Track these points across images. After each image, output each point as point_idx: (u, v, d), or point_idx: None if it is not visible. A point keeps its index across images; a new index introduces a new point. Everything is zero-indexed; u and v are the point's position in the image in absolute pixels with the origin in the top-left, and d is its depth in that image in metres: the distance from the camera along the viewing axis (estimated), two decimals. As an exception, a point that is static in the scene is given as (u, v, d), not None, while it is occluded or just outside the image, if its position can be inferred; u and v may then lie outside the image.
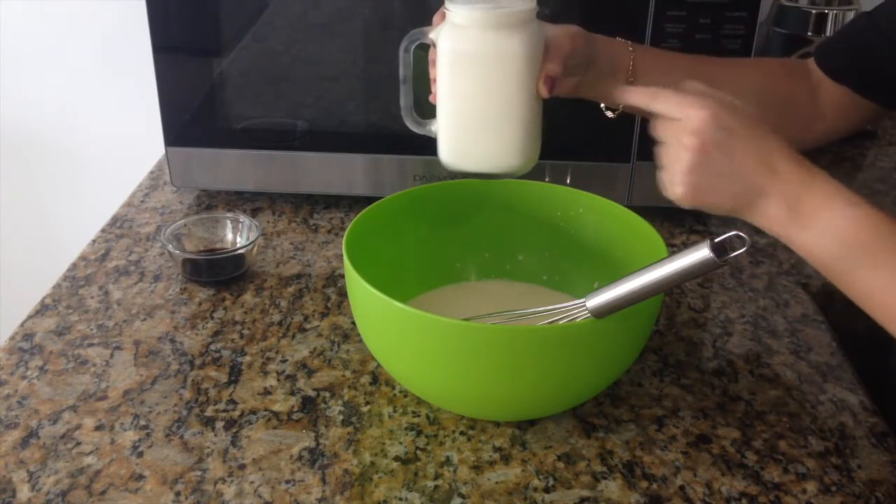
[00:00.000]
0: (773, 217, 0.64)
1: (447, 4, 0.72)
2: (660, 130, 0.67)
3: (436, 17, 0.77)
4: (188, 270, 0.94)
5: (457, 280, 0.88)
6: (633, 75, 0.78)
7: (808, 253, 0.63)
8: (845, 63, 0.84)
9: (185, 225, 0.96)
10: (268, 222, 1.07)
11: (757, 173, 0.64)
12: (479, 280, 0.89)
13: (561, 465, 0.70)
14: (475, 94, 0.72)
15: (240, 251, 0.93)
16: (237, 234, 0.97)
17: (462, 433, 0.73)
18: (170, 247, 0.93)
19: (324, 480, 0.68)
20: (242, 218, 0.97)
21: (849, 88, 0.83)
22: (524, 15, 0.71)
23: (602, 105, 0.81)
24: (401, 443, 0.72)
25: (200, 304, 0.90)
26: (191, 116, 1.05)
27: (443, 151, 0.77)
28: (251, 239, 0.95)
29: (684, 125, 0.65)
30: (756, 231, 1.07)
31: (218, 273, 0.93)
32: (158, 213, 1.09)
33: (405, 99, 0.78)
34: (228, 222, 0.98)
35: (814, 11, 1.15)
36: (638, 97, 0.69)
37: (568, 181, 1.04)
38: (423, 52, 0.79)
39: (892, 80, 0.82)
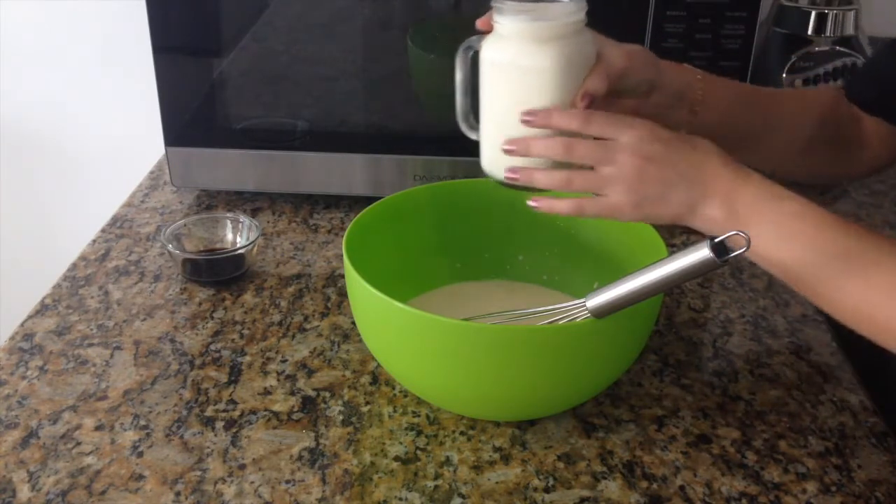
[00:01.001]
0: (714, 219, 0.65)
1: (494, 15, 0.72)
2: (593, 153, 0.66)
3: (479, 22, 0.74)
4: (188, 270, 0.94)
5: (457, 280, 0.88)
6: (700, 105, 0.76)
7: (752, 250, 0.63)
8: (873, 94, 0.84)
9: (185, 225, 0.96)
10: (268, 222, 1.07)
11: (696, 179, 0.65)
12: (479, 280, 0.89)
13: (561, 465, 0.70)
14: (510, 104, 0.71)
15: (240, 251, 0.93)
16: (237, 234, 0.97)
17: (462, 433, 0.73)
18: (170, 247, 0.93)
19: (324, 480, 0.68)
20: (242, 218, 0.97)
21: (882, 119, 0.83)
22: (566, 28, 0.69)
23: None
24: (401, 443, 0.72)
25: (200, 304, 0.90)
26: (191, 116, 1.05)
27: (483, 159, 0.75)
28: (251, 239, 0.95)
29: (622, 144, 0.65)
30: (756, 231, 1.07)
31: (218, 273, 0.93)
32: (158, 213, 1.09)
33: (462, 104, 0.77)
34: (228, 222, 0.98)
35: (814, 11, 1.15)
36: (571, 121, 0.67)
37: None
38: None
39: None
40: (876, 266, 0.62)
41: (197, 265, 0.93)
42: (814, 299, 0.66)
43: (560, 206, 0.69)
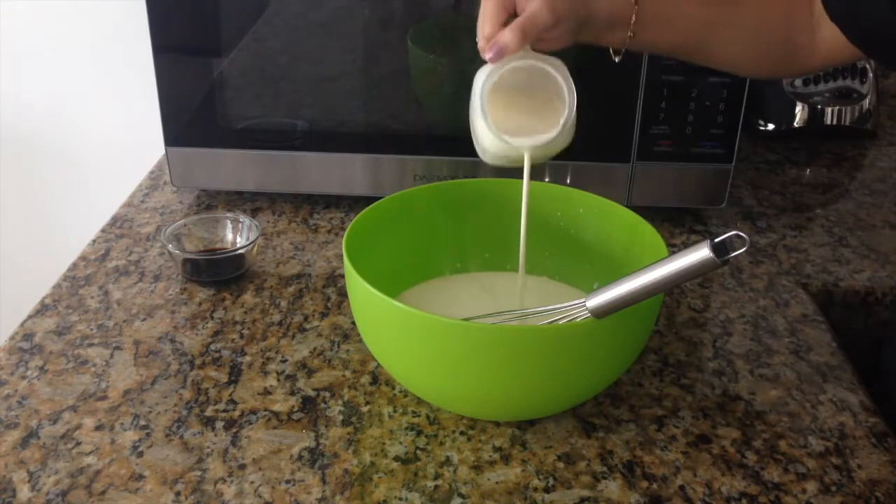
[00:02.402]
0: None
1: None
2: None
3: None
4: (188, 270, 0.94)
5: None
6: (636, 27, 0.79)
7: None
8: (845, 9, 0.83)
9: (185, 225, 0.96)
10: (268, 222, 1.07)
11: None
12: (480, 271, 0.89)
13: (561, 465, 0.70)
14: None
15: (240, 251, 0.93)
16: (237, 234, 0.97)
17: (462, 433, 0.73)
18: (170, 247, 0.93)
19: (324, 480, 0.68)
20: (242, 218, 0.97)
21: (843, 34, 0.83)
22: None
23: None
24: (401, 443, 0.72)
25: (200, 304, 0.90)
26: (191, 116, 1.05)
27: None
28: (251, 239, 0.95)
29: None
30: (756, 231, 1.07)
31: (218, 273, 0.93)
32: (158, 213, 1.09)
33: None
34: (228, 222, 0.98)
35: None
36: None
37: (568, 181, 1.05)
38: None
39: (887, 39, 0.81)
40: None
41: (197, 265, 0.93)
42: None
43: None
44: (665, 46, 0.84)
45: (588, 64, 1.02)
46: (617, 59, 0.82)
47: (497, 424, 0.74)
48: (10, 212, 1.53)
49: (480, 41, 0.76)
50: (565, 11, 0.75)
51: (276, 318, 0.88)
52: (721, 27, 0.83)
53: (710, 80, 0.99)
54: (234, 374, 0.80)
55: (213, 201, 1.11)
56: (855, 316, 0.98)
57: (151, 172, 1.20)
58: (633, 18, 0.78)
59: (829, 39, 0.84)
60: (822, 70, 0.89)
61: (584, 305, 0.67)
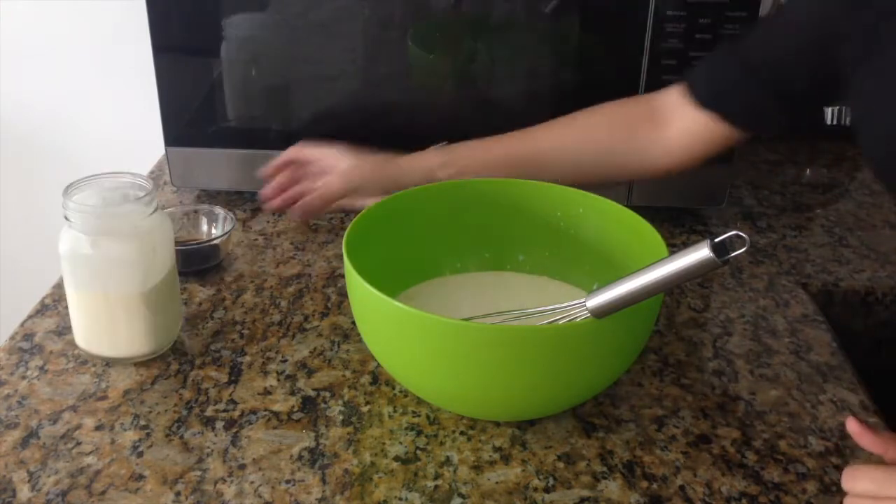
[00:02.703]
0: None
1: None
2: None
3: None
4: None
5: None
6: (460, 175, 0.89)
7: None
8: (714, 92, 0.86)
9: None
10: (268, 222, 1.07)
11: None
12: (481, 271, 0.89)
13: (561, 465, 0.70)
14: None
15: (214, 241, 0.95)
16: (212, 226, 0.99)
17: (462, 433, 0.73)
18: None
19: (324, 480, 0.68)
20: (218, 210, 0.99)
21: (716, 116, 0.86)
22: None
23: None
24: (401, 443, 0.72)
25: (200, 304, 0.90)
26: (191, 116, 1.05)
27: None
28: (226, 230, 0.96)
29: None
30: (756, 231, 1.07)
31: (192, 263, 0.94)
32: (158, 213, 1.08)
33: None
34: (203, 216, 1.00)
35: (813, 11, 1.15)
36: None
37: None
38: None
39: (757, 109, 0.85)
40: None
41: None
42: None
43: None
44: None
45: (589, 64, 1.02)
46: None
47: (497, 424, 0.74)
48: (10, 212, 1.53)
49: (268, 192, 0.98)
50: (357, 179, 0.92)
51: (276, 318, 0.88)
52: (542, 155, 0.90)
53: (710, 80, 0.99)
54: (234, 374, 0.80)
55: (213, 201, 1.11)
56: (855, 316, 0.98)
57: (151, 172, 1.20)
58: (445, 177, 0.89)
59: (689, 130, 0.88)
60: (676, 171, 0.92)
61: (584, 305, 0.67)
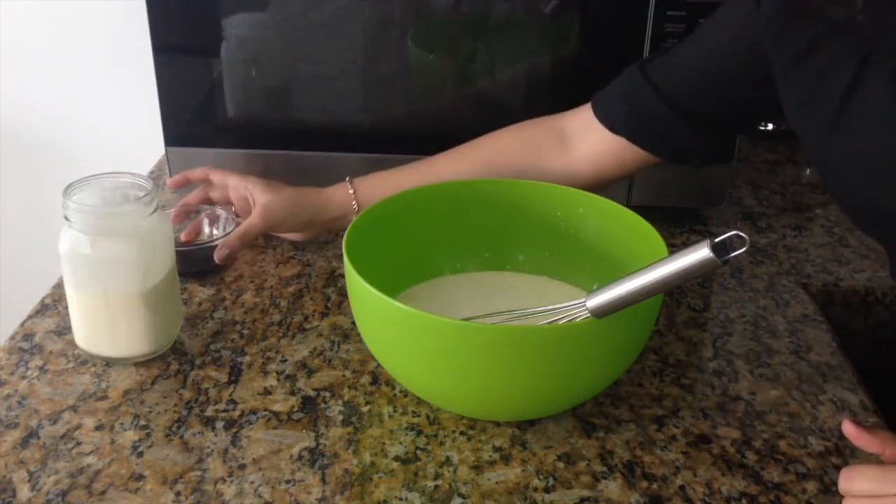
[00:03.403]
0: None
1: None
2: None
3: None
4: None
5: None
6: (362, 208, 0.91)
7: None
8: (622, 116, 0.87)
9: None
10: (268, 222, 1.07)
11: None
12: (481, 271, 0.89)
13: (561, 465, 0.70)
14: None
15: (216, 242, 0.93)
16: (213, 227, 0.98)
17: (462, 433, 0.73)
18: None
19: (324, 480, 0.68)
20: (220, 210, 0.98)
21: (626, 140, 0.86)
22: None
23: None
24: (401, 443, 0.72)
25: (200, 304, 0.90)
26: (191, 116, 1.05)
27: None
28: (227, 231, 0.95)
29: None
30: (756, 231, 1.07)
31: (193, 265, 0.93)
32: (158, 213, 1.08)
33: None
34: (204, 217, 0.99)
35: (813, 11, 1.15)
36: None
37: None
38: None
39: (664, 132, 0.85)
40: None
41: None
42: None
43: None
44: None
45: (589, 64, 1.02)
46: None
47: (497, 424, 0.74)
48: (10, 212, 1.53)
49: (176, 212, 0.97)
50: (278, 216, 0.92)
51: (276, 318, 0.88)
52: (446, 177, 0.90)
53: (710, 80, 0.98)
54: (234, 374, 0.80)
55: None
56: (855, 316, 0.98)
57: (151, 172, 1.20)
58: (355, 204, 0.92)
59: (598, 151, 0.88)
60: (598, 188, 0.91)
61: (584, 305, 0.67)
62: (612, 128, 0.87)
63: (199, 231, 0.98)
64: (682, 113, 0.83)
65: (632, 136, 0.86)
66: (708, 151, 0.87)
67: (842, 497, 0.62)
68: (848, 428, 0.64)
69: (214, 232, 0.98)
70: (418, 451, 0.71)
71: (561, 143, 0.90)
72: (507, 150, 0.92)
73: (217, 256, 0.90)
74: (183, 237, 0.96)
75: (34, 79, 1.41)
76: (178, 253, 0.90)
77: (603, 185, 0.90)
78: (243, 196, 0.95)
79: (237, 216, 0.97)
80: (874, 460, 0.71)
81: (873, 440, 0.63)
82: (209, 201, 0.98)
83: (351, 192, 0.92)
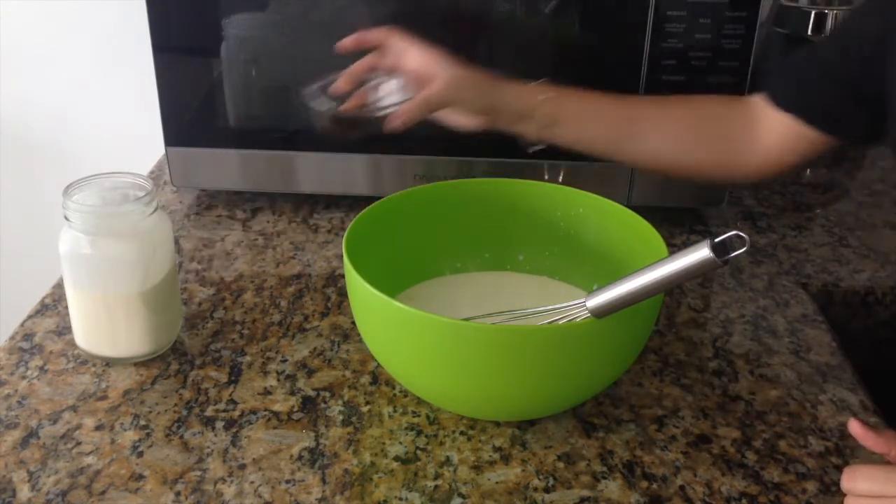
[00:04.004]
0: None
1: None
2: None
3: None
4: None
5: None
6: (554, 122, 0.85)
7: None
8: (793, 94, 0.85)
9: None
10: (268, 222, 1.07)
11: None
12: (482, 271, 0.89)
13: (561, 465, 0.70)
14: None
15: (387, 111, 0.86)
16: (383, 97, 0.89)
17: (462, 433, 0.73)
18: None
19: (324, 480, 0.68)
20: (392, 80, 0.88)
21: (796, 118, 0.84)
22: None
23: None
24: (401, 443, 0.72)
25: (200, 304, 0.90)
26: (191, 116, 1.05)
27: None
28: (398, 102, 0.87)
29: None
30: (756, 231, 1.07)
31: (356, 129, 0.89)
32: (158, 213, 1.08)
33: None
34: (374, 85, 0.90)
35: (814, 11, 1.15)
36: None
37: (567, 181, 1.04)
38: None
39: (836, 111, 0.83)
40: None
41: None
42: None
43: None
44: (584, 140, 0.87)
45: (589, 64, 1.02)
46: (530, 151, 0.88)
47: (497, 424, 0.74)
48: (10, 212, 1.53)
49: (342, 85, 0.87)
50: (466, 95, 0.84)
51: (276, 318, 0.88)
52: (643, 121, 0.87)
53: (710, 80, 0.99)
54: (234, 374, 0.80)
55: (213, 201, 1.11)
56: (855, 316, 0.98)
57: (151, 172, 1.20)
58: (549, 113, 0.84)
59: (778, 134, 0.85)
60: (777, 173, 0.89)
61: (584, 305, 0.67)
62: (780, 105, 0.84)
63: (364, 102, 0.88)
64: (847, 87, 0.80)
65: (799, 113, 0.83)
66: (878, 128, 0.82)
67: (842, 497, 0.62)
68: (854, 427, 0.64)
69: (384, 102, 0.88)
70: (418, 451, 0.71)
71: (745, 117, 0.87)
72: (698, 110, 0.88)
73: (392, 124, 0.82)
74: (350, 105, 0.88)
75: (34, 79, 1.41)
76: (336, 119, 0.88)
77: (781, 171, 0.88)
78: (421, 65, 0.84)
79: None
80: (875, 460, 0.71)
81: (879, 440, 0.63)
82: (375, 69, 0.88)
83: (541, 98, 0.84)
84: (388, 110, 0.85)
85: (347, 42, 0.87)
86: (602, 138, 0.87)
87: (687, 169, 0.89)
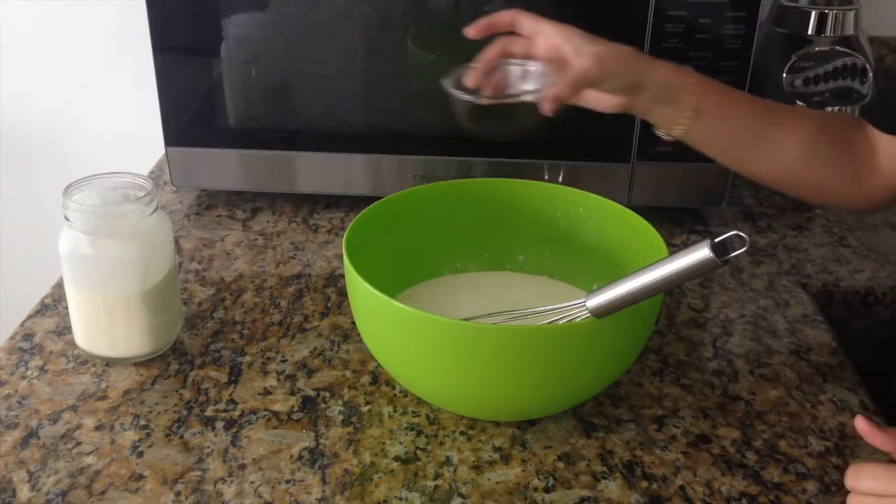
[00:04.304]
0: None
1: None
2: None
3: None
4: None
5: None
6: (696, 110, 0.78)
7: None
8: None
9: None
10: (268, 222, 1.07)
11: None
12: (481, 271, 0.89)
13: (561, 465, 0.70)
14: None
15: (528, 97, 0.80)
16: (523, 84, 0.84)
17: (462, 433, 0.73)
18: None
19: (324, 480, 0.68)
20: (531, 65, 0.81)
21: None
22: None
23: (656, 130, 0.82)
24: (401, 443, 0.72)
25: (200, 304, 0.90)
26: (191, 116, 1.05)
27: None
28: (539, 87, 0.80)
29: None
30: (756, 231, 1.07)
31: (497, 122, 0.84)
32: (158, 213, 1.08)
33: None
34: (510, 71, 0.83)
35: (814, 11, 1.15)
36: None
37: (568, 181, 1.04)
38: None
39: None
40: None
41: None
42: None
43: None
44: (719, 137, 0.81)
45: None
46: (667, 139, 0.82)
47: (497, 424, 0.74)
48: (10, 212, 1.52)
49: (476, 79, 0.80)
50: (615, 70, 0.76)
51: (276, 318, 0.88)
52: (778, 127, 0.81)
53: (710, 80, 0.99)
54: (234, 374, 0.80)
55: (213, 201, 1.11)
56: (855, 316, 0.98)
57: (151, 172, 1.20)
58: (694, 97, 0.77)
59: (891, 157, 0.82)
60: (879, 205, 0.85)
61: (584, 305, 0.67)
62: (890, 130, 0.81)
63: (502, 88, 0.82)
64: None
65: None
66: None
67: (843, 497, 0.62)
68: (861, 424, 0.64)
69: (524, 87, 0.82)
70: (418, 451, 0.71)
71: (863, 135, 0.83)
72: (822, 124, 0.84)
73: (544, 110, 0.76)
74: (488, 92, 0.81)
75: (34, 78, 1.41)
76: (476, 109, 0.82)
77: (890, 202, 0.85)
78: (555, 45, 0.77)
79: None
80: (875, 460, 0.71)
81: (886, 438, 0.63)
82: (508, 54, 0.81)
83: (694, 80, 0.78)
84: (529, 96, 0.79)
85: (475, 28, 0.80)
86: (737, 138, 0.81)
87: (813, 185, 0.84)
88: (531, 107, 0.78)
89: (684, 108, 0.78)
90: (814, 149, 0.82)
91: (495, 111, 0.81)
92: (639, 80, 0.77)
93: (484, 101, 0.81)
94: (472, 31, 0.80)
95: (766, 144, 0.81)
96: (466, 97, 0.80)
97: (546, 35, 0.78)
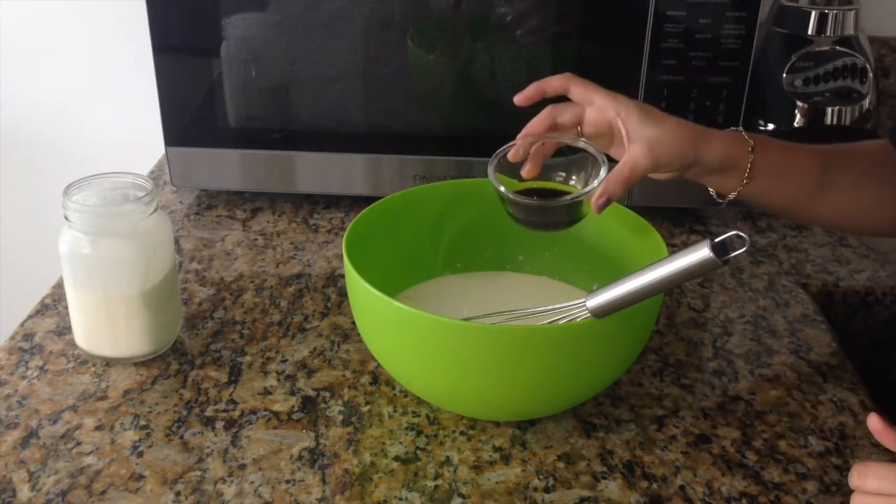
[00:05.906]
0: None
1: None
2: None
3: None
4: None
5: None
6: (750, 175, 0.76)
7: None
8: None
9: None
10: (268, 222, 1.07)
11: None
12: (481, 271, 0.89)
13: (561, 465, 0.70)
14: None
15: (577, 196, 0.75)
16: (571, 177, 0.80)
17: (462, 433, 0.73)
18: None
19: (324, 480, 0.68)
20: (581, 141, 0.77)
21: None
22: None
23: (712, 191, 0.80)
24: (401, 443, 0.72)
25: (200, 304, 0.90)
26: (191, 116, 1.05)
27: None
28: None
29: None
30: (756, 231, 1.07)
31: (541, 216, 0.78)
32: (158, 213, 1.08)
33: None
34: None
35: (814, 11, 1.15)
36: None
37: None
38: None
39: None
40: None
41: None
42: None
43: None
44: (776, 196, 0.79)
45: (589, 64, 1.02)
46: (721, 203, 0.80)
47: (497, 424, 0.74)
48: (10, 212, 1.52)
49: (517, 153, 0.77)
50: (668, 157, 0.73)
51: (276, 318, 0.88)
52: (828, 173, 0.79)
53: (710, 80, 0.99)
54: (234, 374, 0.80)
55: (213, 201, 1.11)
56: (855, 316, 0.98)
57: (151, 172, 1.20)
58: (749, 166, 0.75)
59: None
60: None
61: (584, 305, 0.67)
62: None
63: (540, 165, 0.78)
64: None
65: None
66: None
67: (843, 497, 0.62)
68: (874, 423, 0.63)
69: (570, 180, 0.78)
70: (418, 451, 0.71)
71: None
72: (862, 162, 0.82)
73: (597, 206, 0.72)
74: (525, 174, 0.77)
75: (34, 79, 1.41)
76: (518, 206, 0.76)
77: None
78: (605, 121, 0.75)
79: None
80: (875, 460, 0.71)
81: None
82: (555, 126, 0.77)
83: (749, 149, 0.75)
84: (575, 188, 0.76)
85: (525, 95, 0.77)
86: (794, 194, 0.80)
87: (870, 219, 0.83)
88: (573, 205, 0.75)
89: (738, 178, 0.76)
90: (864, 182, 0.81)
91: (538, 208, 0.77)
92: (693, 162, 0.75)
93: (524, 175, 0.78)
94: (520, 99, 0.77)
95: (821, 194, 0.80)
96: (503, 191, 0.76)
97: (598, 106, 0.75)
